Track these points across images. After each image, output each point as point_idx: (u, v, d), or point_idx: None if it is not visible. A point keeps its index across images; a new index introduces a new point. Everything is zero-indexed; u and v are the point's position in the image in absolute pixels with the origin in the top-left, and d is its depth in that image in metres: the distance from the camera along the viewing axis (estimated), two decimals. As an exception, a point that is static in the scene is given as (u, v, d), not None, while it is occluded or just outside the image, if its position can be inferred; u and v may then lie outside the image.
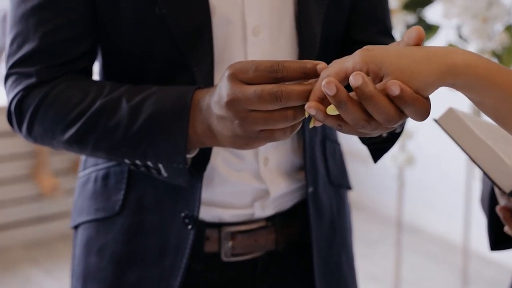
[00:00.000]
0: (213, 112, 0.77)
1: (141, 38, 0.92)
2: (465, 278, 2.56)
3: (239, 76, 0.73)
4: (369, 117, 0.68)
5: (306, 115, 0.72)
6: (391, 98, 0.66)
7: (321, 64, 0.72)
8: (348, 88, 0.67)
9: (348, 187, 1.14)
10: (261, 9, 0.94)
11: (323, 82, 0.66)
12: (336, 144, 1.11)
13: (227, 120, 0.75)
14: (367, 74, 0.68)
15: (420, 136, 2.49)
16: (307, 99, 0.70)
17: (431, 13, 2.39)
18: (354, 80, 0.65)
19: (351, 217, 1.15)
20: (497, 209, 0.99)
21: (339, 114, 0.69)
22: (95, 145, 0.89)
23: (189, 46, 0.90)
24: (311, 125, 0.73)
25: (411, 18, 2.21)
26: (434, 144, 3.40)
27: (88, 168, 1.04)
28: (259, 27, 0.94)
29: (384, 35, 1.04)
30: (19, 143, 3.46)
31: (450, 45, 2.15)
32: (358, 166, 3.72)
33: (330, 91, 0.66)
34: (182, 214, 0.96)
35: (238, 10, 0.93)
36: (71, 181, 3.58)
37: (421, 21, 2.26)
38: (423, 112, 0.67)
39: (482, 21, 2.00)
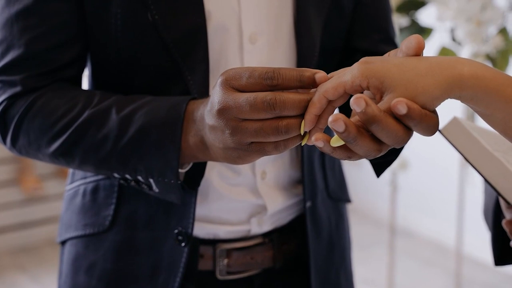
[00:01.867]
0: (206, 122, 0.73)
1: (132, 45, 0.88)
2: (459, 282, 2.54)
3: (232, 83, 0.68)
4: (380, 145, 0.63)
5: (302, 132, 0.67)
6: (397, 117, 0.61)
7: (319, 73, 0.66)
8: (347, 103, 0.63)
9: (347, 201, 1.10)
10: (259, 16, 0.90)
11: (330, 119, 0.61)
12: None
13: (218, 130, 0.70)
14: (367, 88, 0.64)
15: (413, 140, 2.46)
16: (302, 109, 0.66)
17: (424, 16, 2.36)
18: (357, 105, 0.60)
19: (350, 232, 1.11)
20: (504, 223, 0.95)
21: (345, 144, 0.64)
22: (82, 158, 0.84)
23: (182, 54, 0.86)
24: (303, 142, 0.68)
25: (404, 20, 2.18)
26: (427, 148, 3.37)
27: (76, 181, 1.00)
28: (256, 34, 0.90)
29: (387, 43, 1.00)
30: (2, 147, 3.39)
31: (444, 48, 2.12)
32: (351, 170, 3.69)
33: (339, 128, 0.61)
34: (175, 231, 0.91)
35: (235, 17, 0.89)
36: (57, 186, 3.53)
37: (414, 24, 2.23)
38: (432, 128, 0.63)
39: (476, 24, 1.97)
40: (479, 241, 3.23)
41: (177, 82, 0.88)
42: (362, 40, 1.00)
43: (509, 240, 1.03)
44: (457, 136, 0.87)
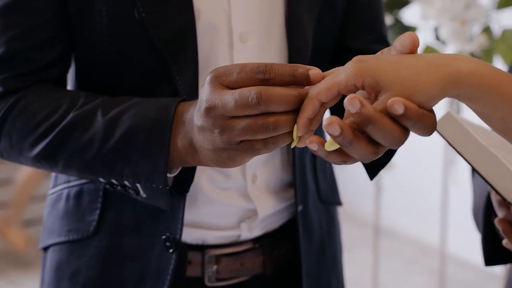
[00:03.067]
0: (194, 123, 0.69)
1: (117, 44, 0.84)
2: (442, 281, 2.53)
3: (221, 80, 0.64)
4: (377, 147, 0.60)
5: (295, 137, 0.64)
6: (393, 117, 0.58)
7: (313, 70, 0.63)
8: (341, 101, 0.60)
9: (338, 204, 1.07)
10: (249, 15, 0.87)
11: (324, 122, 0.58)
12: None
13: (207, 130, 0.67)
14: (362, 88, 0.61)
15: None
16: (290, 105, 0.62)
17: (408, 15, 2.35)
18: (351, 105, 0.57)
19: (341, 236, 1.09)
20: (496, 221, 0.94)
21: (340, 148, 0.61)
22: (66, 162, 0.81)
23: (171, 54, 0.83)
24: (293, 145, 0.65)
25: (387, 19, 2.17)
26: (410, 148, 3.36)
27: (59, 184, 0.96)
28: (247, 34, 0.87)
29: (380, 44, 0.98)
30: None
31: (428, 47, 2.11)
32: (335, 170, 3.67)
33: (334, 132, 0.58)
34: (163, 237, 0.88)
35: (224, 15, 0.86)
36: (39, 188, 3.47)
37: (398, 23, 2.22)
38: (430, 128, 0.60)
39: (460, 23, 1.97)
40: (463, 240, 3.24)
41: (165, 82, 0.85)
42: (355, 40, 0.97)
43: (499, 240, 1.02)
44: (451, 131, 0.84)
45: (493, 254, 1.02)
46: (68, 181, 0.94)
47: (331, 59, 0.97)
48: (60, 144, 0.80)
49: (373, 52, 0.96)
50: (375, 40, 0.98)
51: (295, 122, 0.63)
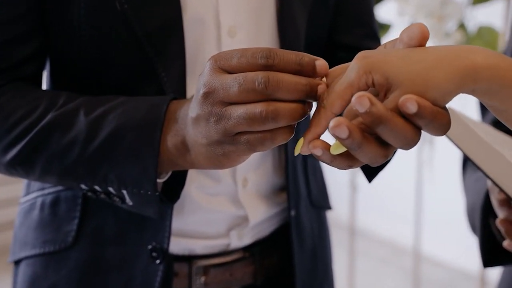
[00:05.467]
0: (189, 117, 0.63)
1: (97, 39, 0.77)
2: (416, 281, 2.52)
3: (221, 64, 0.58)
4: (387, 149, 0.55)
5: (296, 152, 0.57)
6: (406, 116, 0.53)
7: (320, 60, 0.57)
8: None
9: (329, 208, 1.02)
10: (238, 7, 0.81)
11: (331, 124, 0.52)
12: (316, 159, 0.98)
13: (202, 119, 0.60)
14: (372, 85, 0.56)
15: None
16: (299, 94, 0.56)
17: (383, 12, 2.33)
18: (360, 104, 0.52)
19: (331, 241, 1.04)
20: (498, 222, 0.90)
21: (347, 151, 0.56)
22: (44, 167, 0.74)
23: (156, 49, 0.77)
24: (296, 152, 0.58)
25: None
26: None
27: (32, 192, 0.89)
28: (235, 27, 0.81)
29: (371, 39, 0.94)
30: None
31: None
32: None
33: (342, 134, 0.52)
34: (149, 247, 0.81)
35: (212, 8, 0.80)
36: (10, 191, 3.34)
37: (373, 19, 2.20)
38: (444, 127, 0.55)
39: (437, 20, 1.95)
40: (437, 240, 3.23)
41: (150, 80, 0.78)
42: (346, 35, 0.92)
43: (497, 241, 0.98)
44: (453, 129, 0.81)
45: (491, 256, 0.99)
46: (42, 189, 0.87)
47: (322, 55, 0.91)
48: (38, 147, 0.73)
49: (365, 48, 0.92)
50: (366, 35, 0.93)
51: (296, 113, 0.57)
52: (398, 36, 0.60)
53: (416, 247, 2.47)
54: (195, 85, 0.80)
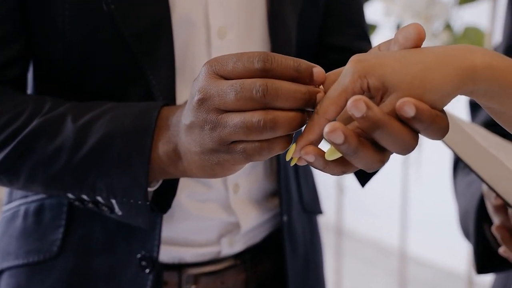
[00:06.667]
0: (182, 123, 0.60)
1: (83, 40, 0.75)
2: (402, 281, 2.51)
3: (217, 69, 0.56)
4: (383, 154, 0.53)
5: (288, 158, 0.55)
6: (403, 120, 0.51)
7: (317, 68, 0.55)
8: None
9: (320, 212, 0.99)
10: (228, 8, 0.79)
11: (326, 129, 0.50)
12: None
13: (196, 127, 0.58)
14: (367, 90, 0.54)
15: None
16: (298, 102, 0.54)
17: (369, 12, 2.32)
18: (356, 109, 0.50)
19: (322, 246, 1.02)
20: (494, 229, 0.88)
21: (342, 157, 0.53)
22: (29, 175, 0.71)
23: (143, 51, 0.74)
24: (287, 157, 0.56)
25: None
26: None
27: (15, 200, 0.85)
28: (225, 28, 0.79)
29: (362, 39, 0.92)
30: None
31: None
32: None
33: (337, 140, 0.50)
34: (138, 256, 0.79)
35: (201, 8, 0.77)
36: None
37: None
38: (443, 130, 0.53)
39: (424, 20, 1.94)
40: (422, 240, 3.23)
41: (137, 82, 0.75)
42: (337, 36, 0.90)
43: (491, 247, 0.96)
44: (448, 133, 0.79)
45: (485, 262, 0.97)
46: (26, 196, 0.84)
47: (312, 56, 0.89)
48: (22, 155, 0.70)
49: (356, 49, 0.90)
50: (357, 35, 0.91)
51: (295, 122, 0.55)
52: (392, 37, 0.58)
53: (402, 247, 2.47)
54: (184, 88, 0.77)
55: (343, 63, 0.88)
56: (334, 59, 0.89)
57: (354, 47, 0.90)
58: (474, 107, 1.12)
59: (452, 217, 3.05)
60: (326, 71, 0.57)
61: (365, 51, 0.91)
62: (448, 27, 2.03)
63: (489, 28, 2.04)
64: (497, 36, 2.22)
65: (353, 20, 0.92)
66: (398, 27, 2.08)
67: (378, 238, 3.56)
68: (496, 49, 1.10)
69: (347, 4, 0.91)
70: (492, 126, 1.00)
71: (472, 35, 2.02)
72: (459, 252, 2.91)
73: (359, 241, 3.58)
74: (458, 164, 1.10)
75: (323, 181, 3.53)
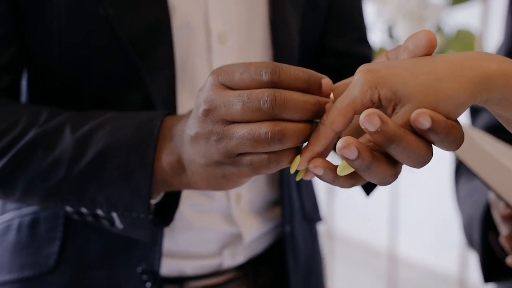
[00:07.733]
0: (187, 134, 0.58)
1: (79, 45, 0.72)
2: (391, 283, 2.50)
3: (223, 79, 0.54)
4: (397, 168, 0.51)
5: (292, 170, 0.53)
6: (418, 132, 0.49)
7: (325, 79, 0.54)
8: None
9: (320, 219, 0.97)
10: (228, 13, 0.76)
11: (339, 144, 0.48)
12: None
13: (202, 138, 0.56)
14: (379, 102, 0.51)
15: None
16: (308, 114, 0.52)
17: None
18: (370, 123, 0.48)
19: (323, 254, 0.99)
20: (502, 239, 0.86)
21: (354, 171, 0.52)
22: (26, 188, 0.68)
23: (142, 56, 0.71)
24: (292, 170, 0.54)
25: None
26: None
27: (9, 212, 0.82)
28: (226, 33, 0.76)
29: (363, 43, 0.90)
30: None
31: (381, 49, 2.06)
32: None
33: (351, 155, 0.48)
34: (139, 269, 0.76)
35: (201, 13, 0.75)
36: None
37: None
38: (458, 141, 0.51)
39: (416, 22, 1.94)
40: (412, 242, 3.22)
41: (135, 88, 0.72)
42: (338, 39, 0.88)
43: (496, 255, 0.95)
44: None
45: (491, 271, 0.96)
46: (19, 208, 0.80)
47: (312, 61, 0.87)
48: (18, 167, 0.67)
49: (356, 53, 0.88)
50: (358, 39, 0.89)
51: (304, 134, 0.53)
52: (402, 44, 0.56)
53: (391, 249, 2.46)
54: (184, 94, 0.75)
55: (342, 68, 0.85)
56: (333, 64, 0.87)
57: (354, 50, 0.88)
58: (474, 112, 1.11)
59: (442, 218, 3.05)
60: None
61: (365, 55, 0.89)
62: (439, 29, 2.02)
63: (480, 29, 2.04)
64: (489, 38, 2.22)
65: (354, 23, 0.90)
66: (389, 29, 2.07)
67: (367, 240, 3.56)
68: (497, 52, 1.09)
69: (349, 7, 0.89)
70: (492, 131, 0.98)
71: (464, 36, 2.02)
72: (449, 253, 2.90)
73: (349, 243, 3.57)
74: (460, 169, 1.09)
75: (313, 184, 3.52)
